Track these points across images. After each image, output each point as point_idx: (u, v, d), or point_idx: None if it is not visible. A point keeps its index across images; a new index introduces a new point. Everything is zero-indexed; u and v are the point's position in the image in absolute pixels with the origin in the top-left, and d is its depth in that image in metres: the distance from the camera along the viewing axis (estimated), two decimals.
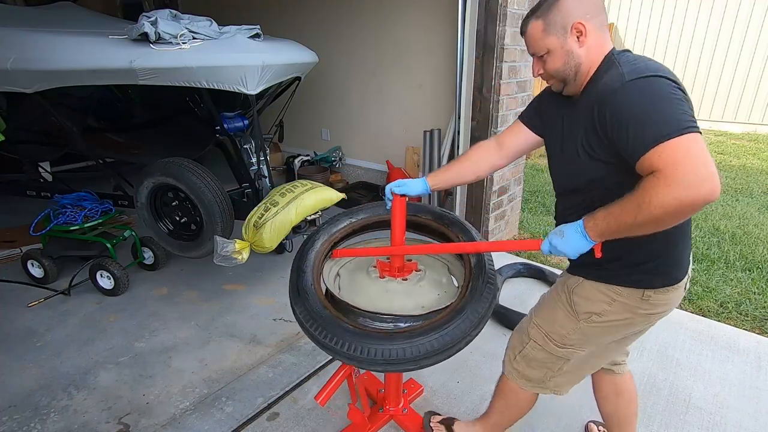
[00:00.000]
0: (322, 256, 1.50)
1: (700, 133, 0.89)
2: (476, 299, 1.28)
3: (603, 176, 1.07)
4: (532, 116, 1.36)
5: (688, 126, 0.88)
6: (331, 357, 2.17)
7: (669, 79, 0.95)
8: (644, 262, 1.12)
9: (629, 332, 1.24)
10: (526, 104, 1.52)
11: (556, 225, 1.19)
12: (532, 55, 1.15)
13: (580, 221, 1.03)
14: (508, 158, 1.44)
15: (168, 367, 2.15)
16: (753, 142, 6.87)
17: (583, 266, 1.20)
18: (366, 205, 1.69)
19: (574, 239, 1.03)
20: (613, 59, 1.06)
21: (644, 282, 1.13)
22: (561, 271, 1.37)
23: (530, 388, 1.38)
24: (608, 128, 0.98)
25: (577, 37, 1.07)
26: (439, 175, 1.48)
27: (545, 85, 1.28)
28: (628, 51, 1.10)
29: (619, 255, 1.12)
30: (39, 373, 2.10)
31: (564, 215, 1.22)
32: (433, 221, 1.62)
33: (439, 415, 1.77)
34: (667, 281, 1.14)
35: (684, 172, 0.84)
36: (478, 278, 1.33)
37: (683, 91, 0.96)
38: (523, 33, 1.14)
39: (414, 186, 1.44)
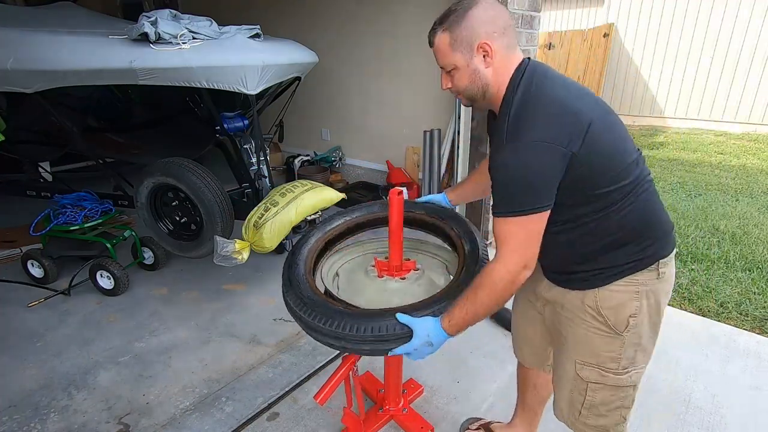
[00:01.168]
0: (315, 252, 1.51)
1: (539, 212, 1.00)
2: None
3: None
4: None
5: (521, 210, 0.99)
6: (331, 357, 2.17)
7: (546, 142, 0.96)
8: (644, 233, 1.09)
9: (659, 321, 1.16)
10: None
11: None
12: (441, 68, 1.12)
13: (437, 320, 1.13)
14: None
15: (168, 367, 2.15)
16: (753, 142, 6.86)
17: (592, 275, 1.12)
18: (361, 204, 1.71)
19: (439, 340, 1.13)
20: (512, 90, 1.04)
21: (653, 256, 1.09)
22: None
23: None
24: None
25: (483, 57, 1.05)
26: (458, 191, 1.59)
27: None
28: (531, 68, 1.06)
29: (625, 241, 1.08)
30: (39, 373, 2.10)
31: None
32: (426, 216, 1.61)
33: (478, 419, 1.80)
34: (669, 246, 1.12)
35: (505, 252, 1.04)
36: (473, 264, 1.33)
37: (562, 147, 0.96)
38: (431, 44, 1.10)
39: (436, 199, 1.61)
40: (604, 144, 1.01)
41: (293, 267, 1.41)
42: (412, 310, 1.16)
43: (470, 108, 3.00)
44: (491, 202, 1.06)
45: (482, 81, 1.07)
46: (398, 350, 1.15)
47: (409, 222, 1.62)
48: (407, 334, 1.14)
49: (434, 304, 1.18)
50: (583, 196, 1.04)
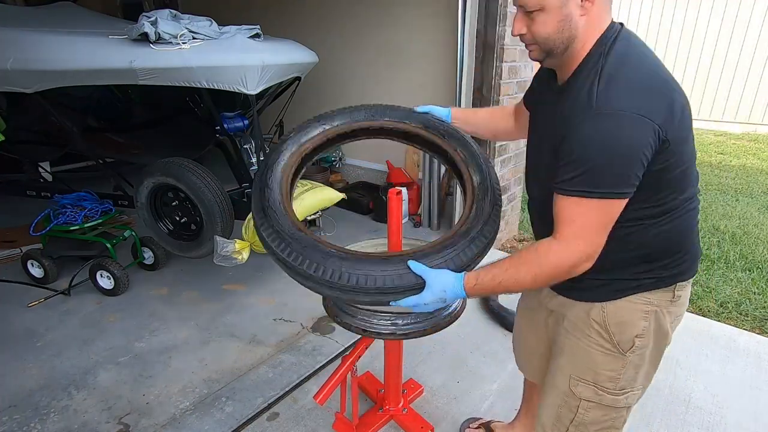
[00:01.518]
0: (290, 170, 1.24)
1: (620, 198, 0.88)
2: (483, 221, 1.11)
3: None
4: (529, 95, 1.24)
5: (601, 192, 0.87)
6: (331, 357, 2.17)
7: (641, 115, 0.83)
8: (673, 254, 1.02)
9: (664, 347, 1.11)
10: None
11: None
12: (520, 7, 0.93)
13: (460, 276, 1.00)
14: (518, 131, 1.32)
15: (168, 367, 2.15)
16: (753, 142, 6.86)
17: (602, 284, 1.04)
18: (343, 109, 1.39)
19: (455, 298, 1.01)
20: (603, 50, 0.91)
21: (673, 277, 1.02)
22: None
23: None
24: (560, 148, 0.91)
25: (582, 1, 0.88)
26: (463, 114, 1.40)
27: None
28: (626, 33, 0.93)
29: (651, 258, 1.00)
30: (39, 373, 2.10)
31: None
32: (423, 130, 1.35)
33: (477, 419, 1.79)
34: (691, 271, 1.05)
35: (570, 236, 0.91)
36: (483, 199, 1.17)
37: (655, 124, 0.84)
38: None
39: (438, 111, 1.36)
40: (687, 143, 0.92)
41: (266, 191, 1.14)
42: (422, 256, 1.01)
43: (474, 103, 3.01)
44: (557, 180, 0.91)
45: (571, 31, 0.90)
46: (404, 302, 1.01)
47: (404, 136, 1.38)
48: (418, 286, 0.99)
49: (445, 250, 1.03)
50: (641, 197, 0.91)
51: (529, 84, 1.23)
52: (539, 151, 1.06)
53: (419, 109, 1.37)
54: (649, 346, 1.05)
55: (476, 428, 1.75)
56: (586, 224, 0.90)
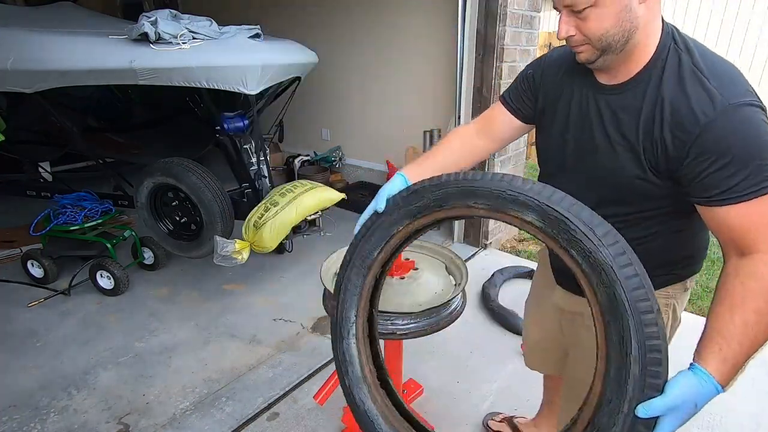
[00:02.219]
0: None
1: None
2: None
3: (652, 192, 0.89)
4: (518, 98, 1.11)
5: None
6: (331, 357, 2.17)
7: (758, 105, 0.79)
8: (701, 252, 1.06)
9: (676, 330, 1.15)
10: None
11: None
12: (565, 8, 0.83)
13: (702, 372, 0.72)
14: (491, 147, 1.20)
15: (168, 367, 2.15)
16: None
17: None
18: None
19: (705, 399, 0.72)
20: (675, 41, 0.83)
21: (690, 272, 1.06)
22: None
23: None
24: (685, 160, 0.80)
25: None
26: (418, 169, 1.10)
27: None
28: (676, 28, 0.87)
29: (676, 261, 1.02)
30: (39, 373, 2.10)
31: None
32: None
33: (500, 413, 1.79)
34: (701, 263, 1.08)
35: None
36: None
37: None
38: None
39: (393, 187, 0.99)
40: None
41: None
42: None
43: (470, 108, 3.01)
44: (714, 191, 0.79)
45: (632, 21, 0.80)
46: None
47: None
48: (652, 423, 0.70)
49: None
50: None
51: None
52: (595, 148, 0.93)
53: (378, 207, 0.96)
54: (667, 335, 1.04)
55: (499, 422, 1.75)
56: None
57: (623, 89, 0.88)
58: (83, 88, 2.47)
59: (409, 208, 0.91)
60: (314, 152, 4.83)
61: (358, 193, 4.15)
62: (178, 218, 2.76)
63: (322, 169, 4.54)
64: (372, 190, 4.29)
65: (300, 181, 2.60)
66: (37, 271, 2.83)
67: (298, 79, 3.14)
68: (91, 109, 3.09)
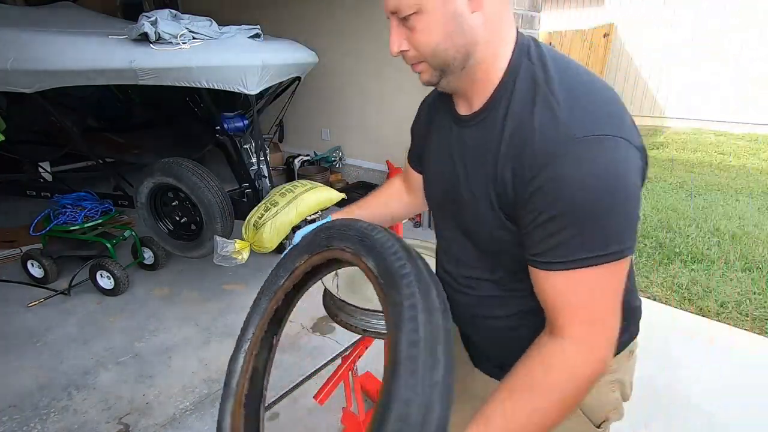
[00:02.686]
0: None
1: (628, 257, 0.63)
2: None
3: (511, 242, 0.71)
4: (415, 154, 0.99)
5: (611, 253, 0.61)
6: (331, 357, 2.17)
7: (624, 138, 0.61)
8: (633, 312, 0.84)
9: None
10: None
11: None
12: (392, 14, 0.67)
13: None
14: (420, 203, 1.06)
15: (168, 367, 2.15)
16: (753, 142, 6.86)
17: None
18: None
19: None
20: (530, 59, 0.68)
21: (626, 336, 0.85)
22: None
23: None
24: (525, 205, 0.64)
25: None
26: (351, 215, 1.07)
27: None
28: (545, 46, 0.71)
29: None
30: (39, 373, 2.10)
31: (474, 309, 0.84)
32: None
33: None
34: (636, 324, 0.87)
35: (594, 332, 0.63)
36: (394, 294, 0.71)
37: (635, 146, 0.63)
38: None
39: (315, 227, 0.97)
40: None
41: None
42: None
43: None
44: (536, 250, 0.64)
45: (466, 35, 0.65)
46: None
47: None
48: None
49: None
50: None
51: None
52: (455, 199, 0.78)
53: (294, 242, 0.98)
54: (618, 412, 0.89)
55: None
56: (606, 304, 0.64)
57: (476, 119, 0.73)
58: (83, 88, 2.47)
59: (309, 244, 0.95)
60: (314, 152, 4.83)
61: (358, 193, 4.15)
62: (178, 218, 2.76)
63: (322, 169, 4.54)
64: (372, 190, 4.30)
65: (300, 181, 2.60)
66: (37, 271, 2.83)
67: (298, 78, 3.14)
68: (91, 109, 3.09)
